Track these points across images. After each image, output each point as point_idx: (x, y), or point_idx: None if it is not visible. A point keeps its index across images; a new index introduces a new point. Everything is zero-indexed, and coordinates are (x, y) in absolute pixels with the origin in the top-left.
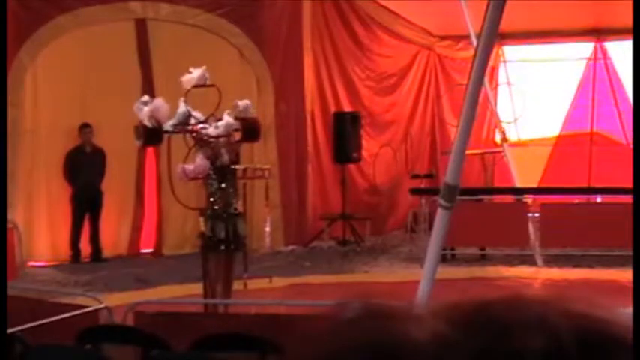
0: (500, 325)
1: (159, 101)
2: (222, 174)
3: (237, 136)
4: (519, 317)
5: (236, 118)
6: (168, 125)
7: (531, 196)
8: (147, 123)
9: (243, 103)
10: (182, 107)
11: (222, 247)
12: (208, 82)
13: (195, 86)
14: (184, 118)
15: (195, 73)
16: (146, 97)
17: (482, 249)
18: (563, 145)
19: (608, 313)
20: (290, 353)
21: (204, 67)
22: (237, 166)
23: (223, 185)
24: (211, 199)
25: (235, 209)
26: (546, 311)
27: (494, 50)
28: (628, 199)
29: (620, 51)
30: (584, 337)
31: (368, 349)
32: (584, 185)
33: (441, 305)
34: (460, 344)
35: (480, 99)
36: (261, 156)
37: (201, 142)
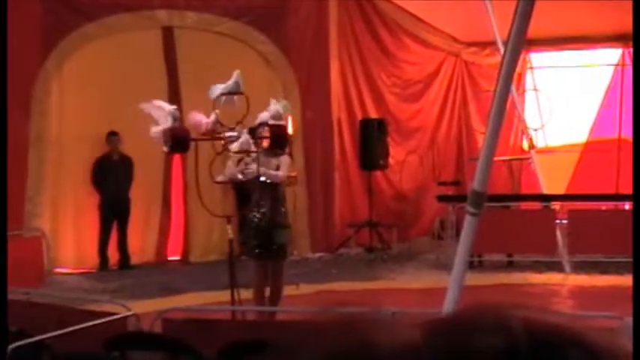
0: (463, 330)
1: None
2: (250, 183)
3: (266, 143)
4: (479, 323)
5: (267, 125)
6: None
7: (559, 202)
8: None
9: (274, 108)
10: (212, 117)
11: (257, 252)
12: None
13: (222, 94)
14: (213, 127)
15: (230, 81)
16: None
17: (510, 256)
18: (591, 151)
19: (562, 319)
20: None
21: (238, 73)
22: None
23: (250, 194)
24: (240, 208)
25: (270, 218)
26: (503, 317)
27: (521, 56)
28: None
29: None
30: (537, 337)
31: (338, 357)
32: (612, 192)
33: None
34: (426, 349)
35: (507, 105)
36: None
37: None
